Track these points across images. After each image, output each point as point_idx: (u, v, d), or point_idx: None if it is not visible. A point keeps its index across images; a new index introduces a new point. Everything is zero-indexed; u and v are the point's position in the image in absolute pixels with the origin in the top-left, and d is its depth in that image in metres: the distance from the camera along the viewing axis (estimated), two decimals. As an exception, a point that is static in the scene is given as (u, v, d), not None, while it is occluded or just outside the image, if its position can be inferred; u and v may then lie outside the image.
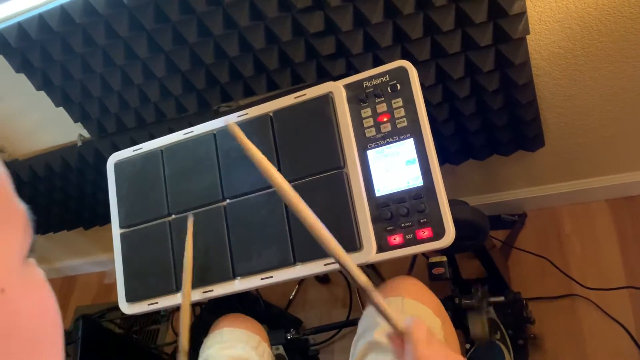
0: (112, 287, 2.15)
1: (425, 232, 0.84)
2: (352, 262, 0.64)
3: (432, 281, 1.21)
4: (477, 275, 1.43)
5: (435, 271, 1.19)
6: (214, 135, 1.01)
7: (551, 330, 1.39)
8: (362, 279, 0.63)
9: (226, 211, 0.96)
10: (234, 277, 0.94)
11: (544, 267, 1.49)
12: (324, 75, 1.17)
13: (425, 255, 1.51)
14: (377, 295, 0.63)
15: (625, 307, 1.35)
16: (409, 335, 0.62)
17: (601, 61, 1.14)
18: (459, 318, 1.37)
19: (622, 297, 1.37)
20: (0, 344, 0.30)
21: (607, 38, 1.10)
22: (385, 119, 0.90)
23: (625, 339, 1.31)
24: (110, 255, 2.13)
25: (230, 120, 0.67)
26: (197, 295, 0.96)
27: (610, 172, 1.46)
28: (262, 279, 0.92)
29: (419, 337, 0.61)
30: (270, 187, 0.94)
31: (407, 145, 0.88)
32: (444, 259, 1.19)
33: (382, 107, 0.91)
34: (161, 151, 1.04)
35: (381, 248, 0.86)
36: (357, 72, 0.98)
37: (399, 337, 0.64)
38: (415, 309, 0.86)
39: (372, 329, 0.85)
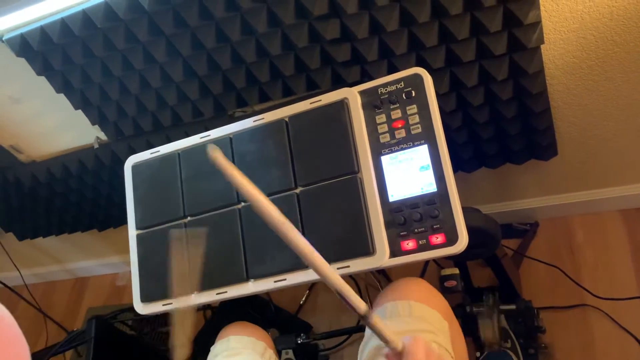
0: (124, 289, 2.17)
1: (438, 238, 0.85)
2: (343, 282, 0.60)
3: (445, 294, 1.22)
4: (488, 284, 1.43)
5: (447, 284, 1.19)
6: (230, 139, 1.03)
7: (562, 339, 1.39)
8: (357, 303, 0.61)
9: (241, 214, 0.98)
10: (248, 279, 0.95)
11: (556, 276, 1.49)
12: (338, 82, 1.19)
13: (437, 261, 1.51)
14: (373, 317, 0.62)
15: (637, 318, 1.35)
16: (407, 355, 0.62)
17: (615, 72, 1.15)
18: (469, 326, 1.37)
19: (634, 307, 1.36)
20: None
21: (621, 48, 1.10)
22: (399, 125, 0.91)
23: (637, 350, 1.31)
24: (122, 257, 2.16)
25: (212, 145, 0.57)
26: (211, 296, 0.97)
27: (624, 183, 1.45)
28: (275, 281, 0.93)
29: (417, 357, 0.61)
30: (284, 190, 0.95)
31: (421, 152, 0.89)
32: (456, 271, 1.19)
33: (396, 114, 0.92)
34: (178, 154, 1.06)
35: (394, 253, 0.87)
36: (371, 79, 0.99)
37: (397, 356, 0.64)
38: (423, 312, 0.87)
39: None
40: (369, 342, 0.88)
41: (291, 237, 0.57)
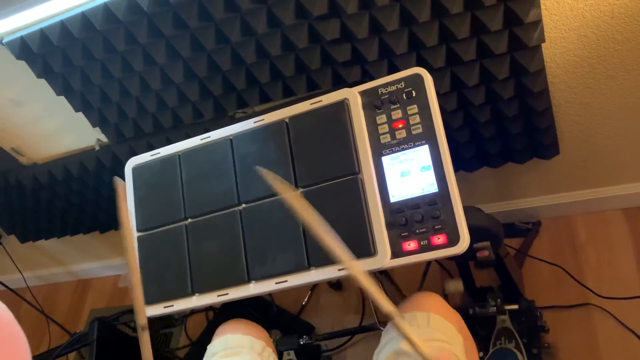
0: (126, 290, 2.17)
1: (439, 239, 0.84)
2: (379, 291, 0.65)
3: (479, 268, 1.22)
4: (491, 284, 1.43)
5: (480, 255, 1.17)
6: (230, 140, 1.02)
7: (566, 339, 1.38)
8: (389, 308, 0.64)
9: (242, 215, 0.98)
10: (249, 281, 0.95)
11: (559, 275, 1.48)
12: (339, 82, 1.18)
13: (439, 262, 1.51)
14: (403, 323, 0.65)
15: (641, 317, 1.34)
16: None
17: (617, 70, 1.14)
18: (472, 327, 1.37)
19: (637, 306, 1.35)
20: None
21: (623, 47, 1.09)
22: (400, 126, 0.91)
23: (640, 349, 1.30)
24: (125, 259, 2.15)
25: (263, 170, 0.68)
26: (212, 298, 0.97)
27: (626, 181, 1.45)
28: (276, 283, 0.93)
29: None
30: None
31: (422, 152, 0.88)
32: (487, 243, 1.18)
33: (397, 114, 0.92)
34: (178, 156, 1.05)
35: (395, 254, 0.87)
36: (372, 79, 0.98)
37: None
38: (440, 324, 0.87)
39: (398, 339, 0.86)
40: (385, 348, 0.88)
41: (323, 239, 0.65)
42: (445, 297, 1.26)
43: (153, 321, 1.86)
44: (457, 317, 0.93)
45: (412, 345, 0.65)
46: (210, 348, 1.01)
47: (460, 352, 0.86)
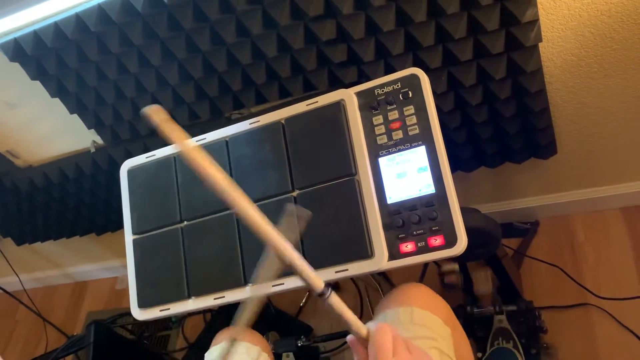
0: (124, 292, 2.16)
1: (437, 240, 0.84)
2: (307, 265, 0.58)
3: (445, 290, 1.21)
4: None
5: (447, 280, 1.19)
6: (226, 142, 1.02)
7: (564, 339, 1.38)
8: (313, 280, 0.58)
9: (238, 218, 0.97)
10: (246, 283, 0.94)
11: (557, 276, 1.47)
12: (335, 83, 1.18)
13: (437, 263, 1.50)
14: (336, 300, 0.58)
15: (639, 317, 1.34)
16: (372, 343, 0.58)
17: (614, 69, 1.14)
18: (470, 327, 1.37)
19: (636, 306, 1.35)
20: None
21: (620, 46, 1.09)
22: (396, 126, 0.90)
23: (639, 350, 1.30)
24: (122, 261, 2.15)
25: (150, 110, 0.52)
26: (209, 301, 0.97)
27: (625, 181, 1.44)
28: (273, 285, 0.92)
29: (383, 345, 0.57)
30: (281, 194, 0.95)
31: (419, 153, 0.88)
32: (456, 267, 1.18)
33: (393, 115, 0.91)
34: (174, 158, 1.05)
35: (393, 256, 0.86)
36: (368, 79, 0.98)
37: (363, 344, 0.60)
38: (424, 318, 0.86)
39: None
40: None
41: (237, 203, 0.54)
42: (442, 279, 1.25)
43: (150, 324, 1.86)
44: (443, 307, 0.91)
45: (346, 323, 0.59)
46: (208, 355, 1.01)
47: (447, 346, 0.84)
